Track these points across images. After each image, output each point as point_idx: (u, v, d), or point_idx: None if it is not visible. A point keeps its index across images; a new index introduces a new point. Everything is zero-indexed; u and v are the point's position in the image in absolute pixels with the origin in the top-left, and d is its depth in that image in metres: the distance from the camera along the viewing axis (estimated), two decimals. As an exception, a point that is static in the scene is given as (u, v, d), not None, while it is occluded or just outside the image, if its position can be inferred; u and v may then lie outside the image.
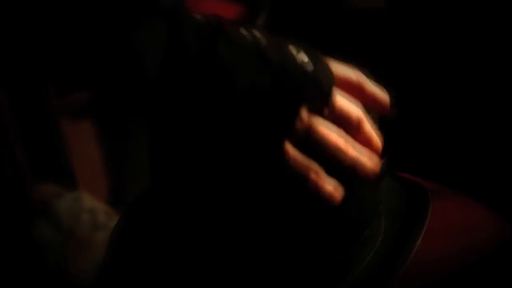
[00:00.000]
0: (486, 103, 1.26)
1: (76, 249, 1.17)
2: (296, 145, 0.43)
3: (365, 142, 0.46)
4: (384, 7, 1.43)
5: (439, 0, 1.35)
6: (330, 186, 0.44)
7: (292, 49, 0.43)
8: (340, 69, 0.46)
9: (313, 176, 0.43)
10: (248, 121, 0.42)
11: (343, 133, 0.45)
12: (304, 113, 0.43)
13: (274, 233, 0.46)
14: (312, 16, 1.52)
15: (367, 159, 0.45)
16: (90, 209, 1.33)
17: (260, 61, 0.42)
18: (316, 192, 0.44)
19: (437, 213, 0.50)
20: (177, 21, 0.41)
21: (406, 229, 0.50)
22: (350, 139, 0.45)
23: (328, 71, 0.44)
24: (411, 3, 1.40)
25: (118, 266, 0.54)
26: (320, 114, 0.44)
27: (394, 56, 1.36)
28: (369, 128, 0.46)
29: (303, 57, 0.43)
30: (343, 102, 0.45)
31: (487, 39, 1.27)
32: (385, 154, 0.47)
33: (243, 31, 0.43)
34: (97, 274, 0.59)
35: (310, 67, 0.43)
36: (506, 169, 1.17)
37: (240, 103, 0.41)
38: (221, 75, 0.41)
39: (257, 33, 0.43)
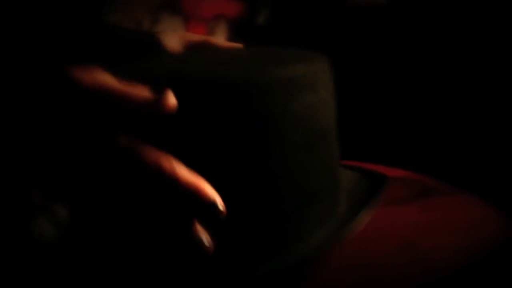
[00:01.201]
0: (488, 100, 1.26)
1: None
2: None
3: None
4: (385, 4, 1.43)
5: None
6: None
7: None
8: None
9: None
10: None
11: None
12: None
13: None
14: (313, 14, 1.52)
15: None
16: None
17: None
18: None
19: (440, 210, 0.50)
20: None
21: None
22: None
23: None
24: (413, 0, 1.40)
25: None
26: None
27: (395, 53, 1.36)
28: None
29: None
30: None
31: (489, 35, 1.27)
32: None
33: None
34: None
35: None
36: (509, 167, 1.17)
37: None
38: None
39: None
